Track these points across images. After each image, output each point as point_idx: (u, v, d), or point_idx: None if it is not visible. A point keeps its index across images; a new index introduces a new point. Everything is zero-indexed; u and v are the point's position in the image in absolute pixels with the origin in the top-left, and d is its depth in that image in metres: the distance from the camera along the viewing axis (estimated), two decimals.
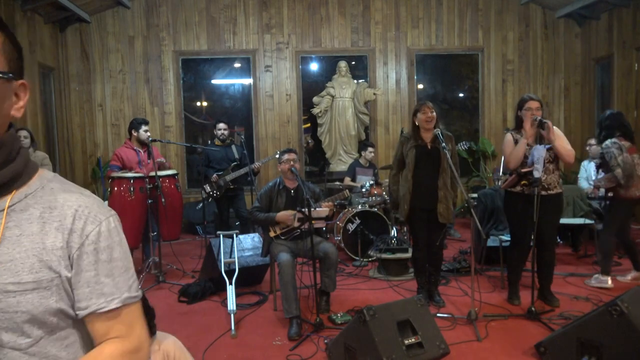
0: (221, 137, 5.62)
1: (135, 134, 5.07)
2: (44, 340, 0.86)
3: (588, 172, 6.00)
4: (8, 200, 0.86)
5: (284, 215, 3.85)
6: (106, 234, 0.89)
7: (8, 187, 0.86)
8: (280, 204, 3.94)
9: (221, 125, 5.63)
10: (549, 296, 3.94)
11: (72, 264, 0.87)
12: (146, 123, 5.16)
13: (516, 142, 3.84)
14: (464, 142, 6.17)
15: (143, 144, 5.07)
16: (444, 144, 3.71)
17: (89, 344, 0.94)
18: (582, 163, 6.20)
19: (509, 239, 4.22)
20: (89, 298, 0.88)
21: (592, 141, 5.96)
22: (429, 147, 3.90)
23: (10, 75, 0.84)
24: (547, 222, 3.75)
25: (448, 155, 3.68)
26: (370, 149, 6.42)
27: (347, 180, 6.36)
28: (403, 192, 3.94)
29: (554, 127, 3.76)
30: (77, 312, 0.89)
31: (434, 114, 3.86)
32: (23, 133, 4.92)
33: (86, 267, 0.87)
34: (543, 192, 3.72)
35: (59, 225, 0.86)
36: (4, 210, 0.85)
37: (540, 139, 3.79)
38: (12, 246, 0.84)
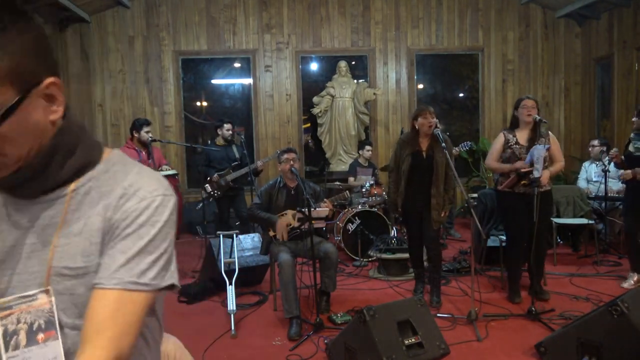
0: (228, 137, 5.64)
1: (136, 135, 5.10)
2: None
3: (589, 173, 5.96)
4: (72, 184, 0.86)
5: (282, 226, 3.85)
6: (138, 210, 0.84)
7: (73, 179, 0.87)
8: (280, 202, 3.95)
9: (228, 125, 5.65)
10: (540, 290, 3.98)
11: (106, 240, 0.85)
12: (148, 124, 5.18)
13: (507, 142, 3.96)
14: (465, 143, 6.18)
15: (144, 144, 5.09)
16: (444, 144, 3.75)
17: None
18: (584, 164, 6.17)
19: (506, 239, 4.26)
20: (98, 270, 0.83)
21: (595, 142, 5.92)
22: (424, 155, 3.95)
23: (18, 99, 0.77)
24: (542, 219, 3.81)
25: (448, 156, 3.71)
26: (367, 147, 6.42)
27: (352, 181, 6.35)
28: (397, 196, 4.04)
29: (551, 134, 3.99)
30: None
31: (435, 119, 3.91)
32: None
33: (110, 242, 0.84)
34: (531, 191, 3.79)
35: (108, 205, 0.85)
36: (67, 194, 0.86)
37: (538, 138, 3.85)
38: (72, 229, 0.85)
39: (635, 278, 4.33)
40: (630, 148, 4.29)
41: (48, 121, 0.82)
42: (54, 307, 0.83)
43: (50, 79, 0.81)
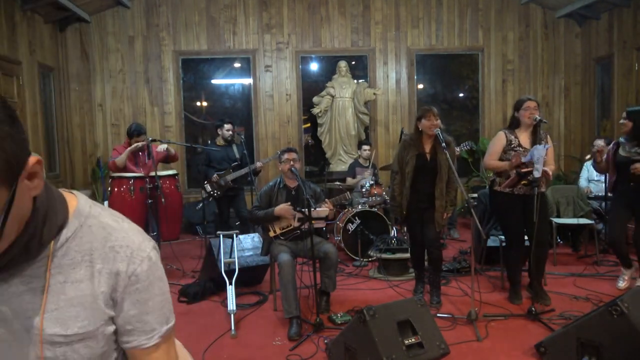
0: (228, 138, 5.64)
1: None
2: None
3: (590, 172, 5.96)
4: (50, 247, 0.83)
5: (282, 208, 3.82)
6: (147, 272, 0.90)
7: (49, 241, 0.83)
8: (280, 203, 3.93)
9: (228, 125, 5.65)
10: (541, 293, 3.95)
11: (116, 304, 0.89)
12: (139, 134, 5.11)
13: (509, 143, 3.91)
14: (466, 143, 6.17)
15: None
16: (444, 144, 3.74)
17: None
18: (585, 163, 6.16)
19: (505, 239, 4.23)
20: (132, 334, 0.92)
21: (600, 142, 5.89)
22: (428, 157, 3.94)
23: (13, 192, 0.72)
24: (541, 219, 3.78)
25: (448, 156, 3.71)
26: (365, 147, 6.43)
27: (349, 181, 6.35)
28: (402, 198, 4.01)
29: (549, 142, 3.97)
30: (121, 345, 0.93)
31: (439, 121, 3.89)
32: None
33: (128, 307, 0.89)
34: (530, 192, 3.78)
35: (102, 268, 0.86)
36: (48, 257, 0.83)
37: (539, 140, 3.83)
38: (57, 294, 0.83)
39: (628, 275, 4.27)
40: (622, 152, 4.16)
41: (30, 198, 0.79)
42: None
43: (33, 159, 0.76)
